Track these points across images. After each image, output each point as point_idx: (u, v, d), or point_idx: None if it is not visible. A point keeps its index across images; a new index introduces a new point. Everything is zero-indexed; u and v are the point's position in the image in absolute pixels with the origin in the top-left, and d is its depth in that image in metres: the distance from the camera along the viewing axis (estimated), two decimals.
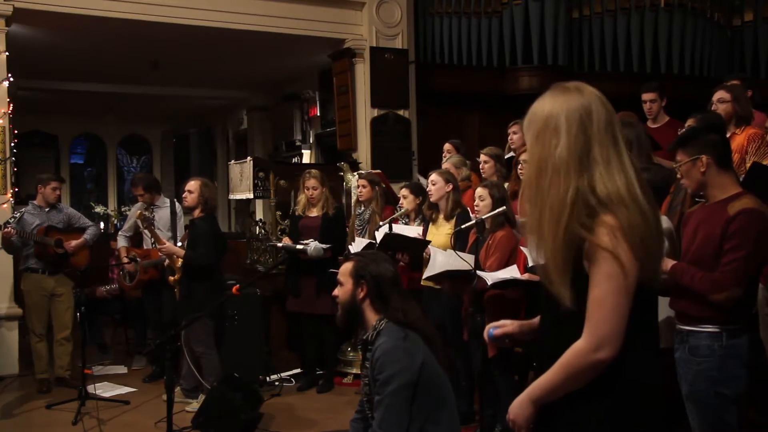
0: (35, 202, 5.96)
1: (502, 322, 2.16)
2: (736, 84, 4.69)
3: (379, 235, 5.01)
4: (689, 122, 4.02)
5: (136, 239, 6.41)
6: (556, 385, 1.77)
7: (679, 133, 3.64)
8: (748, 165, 4.17)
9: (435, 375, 2.74)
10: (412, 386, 2.65)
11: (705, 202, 2.99)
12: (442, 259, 4.39)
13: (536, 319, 2.05)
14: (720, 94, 4.44)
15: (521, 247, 4.18)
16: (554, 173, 1.76)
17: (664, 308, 3.12)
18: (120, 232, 6.52)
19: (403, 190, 5.46)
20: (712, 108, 4.47)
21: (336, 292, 2.95)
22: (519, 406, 1.84)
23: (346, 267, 2.94)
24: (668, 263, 2.88)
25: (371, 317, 2.87)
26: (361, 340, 2.98)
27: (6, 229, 5.55)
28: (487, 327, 2.17)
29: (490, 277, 4.06)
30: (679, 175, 3.00)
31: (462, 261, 4.26)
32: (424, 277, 4.51)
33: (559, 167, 1.76)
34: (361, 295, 2.86)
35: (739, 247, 2.76)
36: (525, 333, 2.10)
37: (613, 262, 1.69)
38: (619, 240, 1.69)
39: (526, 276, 4.00)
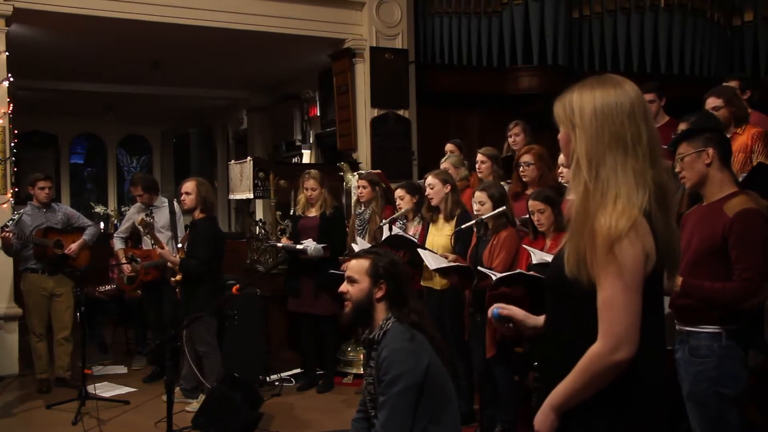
0: (33, 202, 5.94)
1: (510, 306, 2.15)
2: (724, 87, 4.62)
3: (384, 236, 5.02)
4: (682, 126, 3.94)
5: (133, 240, 6.39)
6: (576, 391, 1.76)
7: (675, 133, 3.61)
8: (755, 164, 4.15)
9: (439, 376, 2.72)
10: (418, 388, 2.64)
11: (701, 202, 3.00)
12: (433, 261, 4.41)
13: (542, 318, 2.04)
14: (712, 102, 4.34)
15: (524, 246, 4.17)
16: None
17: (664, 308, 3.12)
18: (116, 234, 6.47)
19: (399, 190, 5.39)
20: None
21: (346, 288, 2.83)
22: (542, 416, 1.83)
23: (362, 264, 2.82)
24: (677, 279, 2.84)
25: (380, 317, 2.81)
26: (365, 338, 2.91)
27: (4, 234, 5.53)
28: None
29: (495, 274, 4.06)
30: (678, 169, 2.99)
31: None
32: (432, 268, 4.50)
33: None
34: (379, 294, 2.79)
35: (749, 250, 2.77)
36: (529, 326, 2.10)
37: (616, 261, 1.69)
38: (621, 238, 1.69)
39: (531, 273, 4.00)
